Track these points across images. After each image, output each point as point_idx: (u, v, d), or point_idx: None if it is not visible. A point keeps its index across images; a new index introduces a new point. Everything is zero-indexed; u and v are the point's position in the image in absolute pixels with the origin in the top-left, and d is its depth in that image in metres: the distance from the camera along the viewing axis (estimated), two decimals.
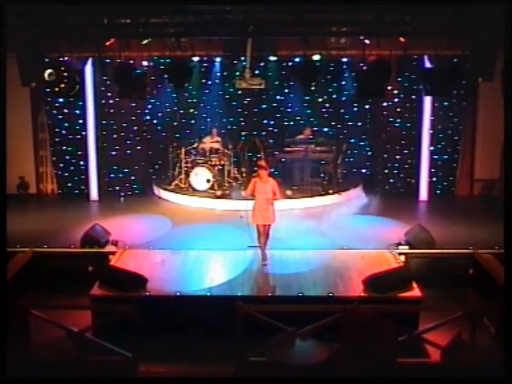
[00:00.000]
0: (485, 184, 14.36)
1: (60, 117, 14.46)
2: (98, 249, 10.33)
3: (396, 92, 14.25)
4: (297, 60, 12.65)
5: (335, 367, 6.70)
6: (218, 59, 14.20)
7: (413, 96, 14.25)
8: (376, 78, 11.39)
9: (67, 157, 14.69)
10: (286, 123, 15.35)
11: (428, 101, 14.05)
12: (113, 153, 14.74)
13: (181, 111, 15.47)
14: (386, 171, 14.92)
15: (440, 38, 11.45)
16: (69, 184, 14.83)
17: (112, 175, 14.86)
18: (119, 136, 14.72)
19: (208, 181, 14.13)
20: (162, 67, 13.25)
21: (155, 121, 15.33)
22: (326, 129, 15.29)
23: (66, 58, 12.01)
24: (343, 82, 14.80)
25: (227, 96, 15.15)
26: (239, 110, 15.30)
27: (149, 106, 15.06)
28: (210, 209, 13.57)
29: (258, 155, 14.71)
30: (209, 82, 15.07)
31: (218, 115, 15.25)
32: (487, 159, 14.23)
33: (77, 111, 14.35)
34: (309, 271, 9.39)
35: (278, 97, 15.17)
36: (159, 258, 9.86)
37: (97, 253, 10.21)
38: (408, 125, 14.59)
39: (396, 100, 14.44)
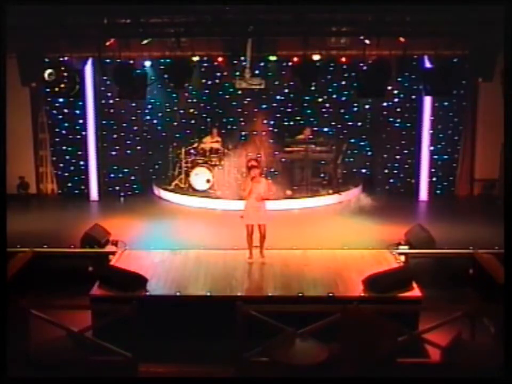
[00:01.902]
0: (485, 184, 14.36)
1: (60, 117, 14.46)
2: (98, 249, 10.33)
3: (395, 91, 14.25)
4: (297, 59, 12.65)
5: (335, 367, 6.71)
6: (218, 59, 14.18)
7: (413, 96, 14.25)
8: (376, 78, 11.40)
9: (67, 157, 14.70)
10: (286, 123, 15.33)
11: (428, 101, 14.05)
12: (113, 153, 14.74)
13: (181, 111, 15.46)
14: (386, 171, 14.92)
15: (440, 38, 11.45)
16: (69, 184, 14.84)
17: (112, 175, 14.86)
18: (119, 136, 14.72)
19: (208, 181, 14.14)
20: (162, 67, 13.24)
21: (155, 121, 15.32)
22: (326, 129, 15.27)
23: (66, 58, 12.02)
24: (343, 82, 14.79)
25: (227, 96, 15.14)
26: (239, 110, 15.29)
27: (149, 106, 15.05)
28: (210, 209, 13.57)
29: (259, 155, 14.71)
30: (209, 82, 15.07)
31: (218, 115, 15.24)
32: (487, 159, 14.22)
33: (77, 111, 14.35)
34: (309, 271, 9.39)
35: (278, 97, 15.15)
36: None
37: (97, 253, 10.21)
38: (408, 125, 14.60)
39: (396, 100, 14.44)
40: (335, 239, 11.20)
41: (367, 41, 11.52)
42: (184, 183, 14.58)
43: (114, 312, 7.51)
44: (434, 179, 14.57)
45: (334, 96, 15.14)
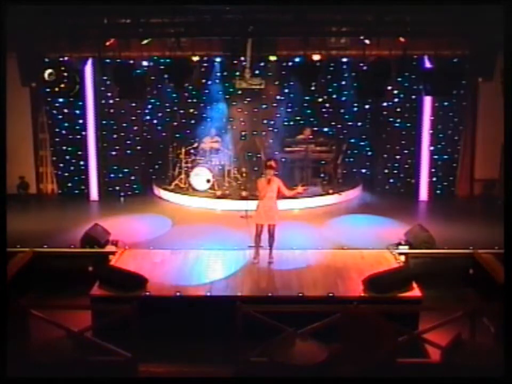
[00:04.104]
0: (485, 184, 14.36)
1: (60, 117, 14.44)
2: (98, 249, 10.33)
3: (396, 91, 14.24)
4: (297, 59, 12.65)
5: (335, 367, 6.70)
6: (218, 59, 14.19)
7: (413, 96, 14.23)
8: (376, 78, 11.40)
9: (67, 157, 14.67)
10: (286, 123, 15.34)
11: (428, 101, 14.04)
12: (113, 153, 14.72)
13: (181, 111, 15.47)
14: (386, 171, 14.91)
15: (440, 38, 11.45)
16: (69, 184, 14.82)
17: (112, 175, 14.84)
18: (119, 136, 14.70)
19: (208, 181, 14.13)
20: (162, 67, 13.24)
21: (155, 121, 15.33)
22: (326, 129, 15.29)
23: (66, 58, 12.01)
24: (343, 82, 14.79)
25: (227, 96, 15.15)
26: (239, 110, 15.30)
27: (149, 106, 15.06)
28: (210, 209, 13.57)
29: (258, 155, 14.71)
30: (209, 82, 15.07)
31: (218, 115, 15.25)
32: (487, 159, 14.22)
33: (77, 111, 14.33)
34: (309, 271, 9.39)
35: (278, 97, 15.16)
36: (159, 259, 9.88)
37: (97, 253, 10.21)
38: (408, 125, 14.58)
39: (396, 100, 14.42)
40: (335, 239, 11.21)
41: (367, 41, 11.52)
42: (184, 183, 14.57)
43: (114, 312, 7.52)
44: (434, 179, 14.56)
45: (334, 96, 15.16)
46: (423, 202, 14.44)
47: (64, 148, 14.63)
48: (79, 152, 14.58)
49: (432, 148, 14.43)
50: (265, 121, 15.33)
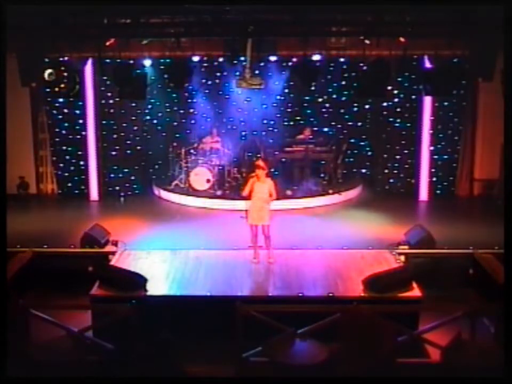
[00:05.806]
0: (485, 184, 14.36)
1: (60, 117, 14.44)
2: (98, 249, 10.33)
3: (396, 91, 14.24)
4: (297, 59, 12.64)
5: (335, 367, 6.70)
6: (219, 59, 14.17)
7: (413, 96, 14.23)
8: (376, 78, 11.39)
9: (67, 157, 14.67)
10: (286, 123, 15.34)
11: (428, 101, 14.04)
12: (113, 153, 14.73)
13: (181, 111, 15.47)
14: (386, 171, 14.91)
15: (440, 38, 11.45)
16: (69, 184, 14.81)
17: (112, 175, 14.85)
18: (119, 136, 14.71)
19: (208, 181, 14.14)
20: (162, 67, 13.25)
21: (155, 121, 15.33)
22: (326, 129, 15.29)
23: (66, 58, 11.99)
24: (343, 82, 14.79)
25: (227, 96, 15.15)
26: (239, 110, 15.30)
27: (149, 106, 15.05)
28: (210, 209, 13.57)
29: (258, 155, 14.71)
30: (209, 82, 15.08)
31: (218, 115, 15.25)
32: (487, 159, 14.22)
33: (77, 111, 14.33)
34: (309, 271, 9.39)
35: (278, 97, 15.16)
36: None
37: (97, 253, 10.21)
38: (408, 125, 14.58)
39: (396, 100, 14.42)
40: (335, 239, 11.20)
41: (367, 41, 11.52)
42: (184, 183, 14.58)
43: (114, 312, 7.51)
44: (434, 179, 14.56)
45: (334, 96, 15.16)
46: (423, 202, 14.44)
47: (64, 148, 14.63)
48: (79, 152, 14.58)
49: (432, 148, 14.42)
50: (265, 121, 15.33)
